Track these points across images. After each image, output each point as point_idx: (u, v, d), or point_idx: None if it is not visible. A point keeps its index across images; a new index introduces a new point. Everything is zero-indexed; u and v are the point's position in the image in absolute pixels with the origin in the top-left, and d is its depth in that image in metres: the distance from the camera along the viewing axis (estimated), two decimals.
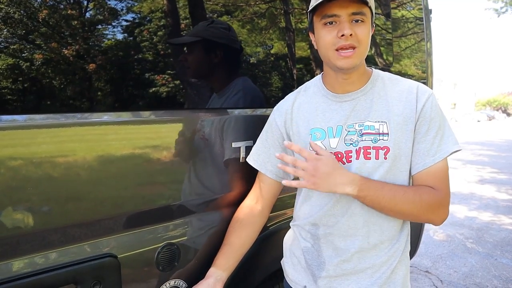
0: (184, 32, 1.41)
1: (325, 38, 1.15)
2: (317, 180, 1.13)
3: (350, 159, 1.21)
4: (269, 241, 1.62)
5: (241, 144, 1.49)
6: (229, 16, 1.54)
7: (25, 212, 1.06)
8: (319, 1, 1.11)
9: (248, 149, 1.49)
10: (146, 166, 1.26)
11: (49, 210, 1.09)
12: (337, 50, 1.14)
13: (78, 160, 1.13)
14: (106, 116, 1.21)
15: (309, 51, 1.87)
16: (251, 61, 1.66)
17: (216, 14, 1.50)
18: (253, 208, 1.41)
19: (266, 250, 1.62)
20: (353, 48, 1.13)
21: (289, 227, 1.56)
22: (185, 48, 1.42)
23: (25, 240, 1.07)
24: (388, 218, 1.21)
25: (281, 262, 1.44)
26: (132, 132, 1.26)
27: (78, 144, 1.13)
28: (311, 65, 1.89)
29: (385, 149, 1.18)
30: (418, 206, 1.15)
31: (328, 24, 1.14)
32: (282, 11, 1.74)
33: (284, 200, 1.61)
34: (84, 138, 1.14)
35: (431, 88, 2.83)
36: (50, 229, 1.10)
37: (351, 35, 1.11)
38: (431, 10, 2.82)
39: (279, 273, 1.75)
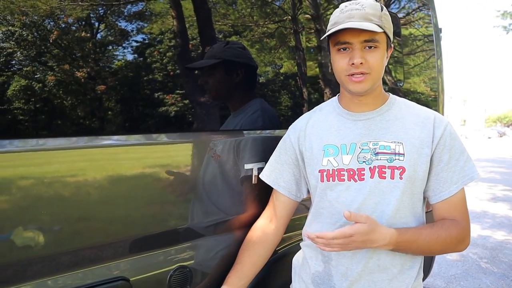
0: (197, 55, 1.43)
1: (338, 63, 1.17)
2: (351, 247, 1.14)
3: (362, 177, 1.20)
4: (279, 264, 1.60)
5: (254, 166, 1.49)
6: (239, 36, 1.56)
7: (35, 234, 1.06)
8: (332, 30, 1.13)
9: (261, 170, 1.49)
10: (158, 188, 1.26)
11: (60, 232, 1.09)
12: (349, 75, 1.16)
13: (89, 182, 1.13)
14: (120, 138, 1.22)
15: (323, 70, 1.87)
16: (267, 80, 1.66)
17: (226, 35, 1.52)
18: (266, 227, 1.40)
19: (275, 273, 1.60)
20: (365, 74, 1.14)
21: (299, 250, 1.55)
22: (202, 71, 1.43)
23: (35, 263, 1.06)
24: None
25: (290, 287, 1.43)
26: (144, 154, 1.26)
27: (89, 165, 1.13)
28: (326, 86, 1.90)
29: (401, 169, 1.17)
30: (448, 244, 1.18)
31: (341, 50, 1.16)
32: (300, 31, 1.75)
33: (294, 221, 1.60)
34: (95, 159, 1.14)
35: (443, 105, 2.82)
36: (60, 252, 1.10)
37: (361, 63, 1.13)
38: (441, 29, 2.82)
39: None
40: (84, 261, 1.14)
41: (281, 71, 1.73)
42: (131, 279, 1.19)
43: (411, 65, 2.58)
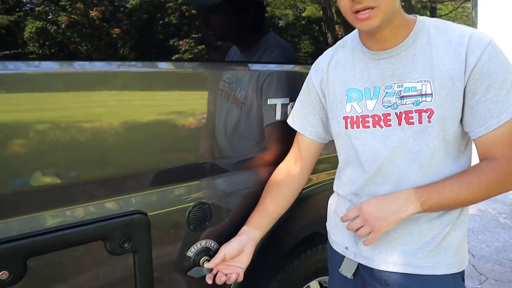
0: None
1: (341, 2, 1.01)
2: (376, 224, 1.09)
3: (389, 123, 1.09)
4: (303, 205, 1.53)
5: (277, 101, 1.39)
6: None
7: (54, 166, 1.01)
8: None
9: (284, 107, 1.40)
10: (178, 121, 1.19)
11: (78, 165, 1.03)
12: (354, 12, 1.00)
13: (106, 115, 1.06)
14: (135, 67, 1.13)
15: None
16: (280, 15, 1.53)
17: None
18: (291, 169, 1.32)
19: (299, 215, 1.54)
20: (371, 8, 0.97)
21: (326, 191, 1.48)
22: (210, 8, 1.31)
23: (54, 193, 1.01)
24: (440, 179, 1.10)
25: (326, 224, 1.36)
26: (163, 85, 1.17)
27: (106, 98, 1.06)
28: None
29: (429, 112, 1.05)
30: (486, 190, 1.05)
31: None
32: None
33: (320, 162, 1.51)
34: (112, 90, 1.07)
35: None
36: (78, 183, 1.04)
37: None
38: None
39: (311, 239, 1.68)
40: (101, 194, 1.08)
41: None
42: (148, 214, 1.14)
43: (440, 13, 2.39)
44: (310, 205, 1.56)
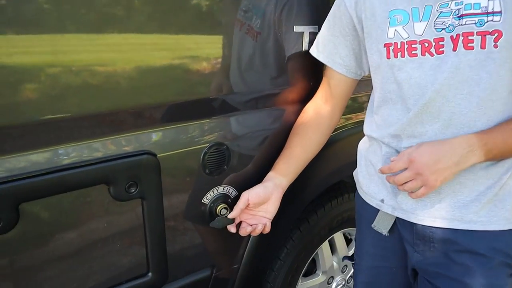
0: None
1: None
2: (431, 178, 0.89)
3: (441, 49, 0.89)
4: (328, 151, 1.37)
5: (305, 29, 1.20)
6: None
7: (49, 97, 0.85)
8: None
9: (312, 35, 1.20)
10: (193, 50, 1.02)
11: (78, 96, 0.87)
12: None
13: (113, 45, 0.90)
14: None
15: None
16: None
17: None
18: (320, 108, 1.15)
19: (324, 162, 1.38)
20: None
21: (354, 135, 1.31)
22: None
23: (48, 130, 0.86)
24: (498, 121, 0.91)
25: (354, 173, 1.20)
26: (175, 16, 0.99)
27: (114, 26, 0.88)
28: None
29: (496, 34, 0.84)
30: None
31: None
32: None
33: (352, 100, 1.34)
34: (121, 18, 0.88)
35: None
36: (78, 118, 0.89)
37: None
38: None
39: (337, 187, 1.53)
40: (103, 130, 0.93)
41: None
42: (158, 155, 0.98)
43: None
44: (336, 150, 1.40)
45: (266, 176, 1.13)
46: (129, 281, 1.04)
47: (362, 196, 1.13)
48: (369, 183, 1.10)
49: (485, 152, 0.87)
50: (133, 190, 0.95)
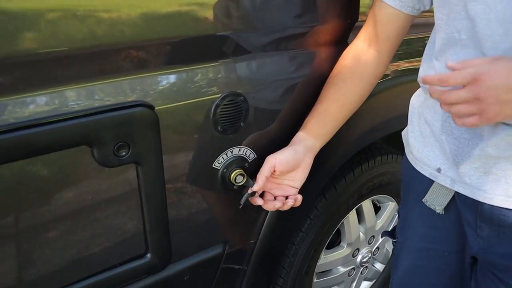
0: None
1: None
2: (493, 107, 0.61)
3: None
4: (363, 105, 1.13)
5: None
6: None
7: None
8: None
9: None
10: None
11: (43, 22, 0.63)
12: None
13: None
14: None
15: None
16: None
17: None
18: (363, 53, 0.90)
19: (358, 119, 1.14)
20: None
21: (399, 85, 1.07)
22: None
23: (6, 69, 0.63)
24: None
25: (403, 133, 0.97)
26: None
27: None
28: None
29: None
30: None
31: None
32: None
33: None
34: None
35: None
36: (43, 54, 0.65)
37: None
38: None
39: (368, 149, 1.30)
40: (82, 73, 0.69)
41: None
42: (156, 107, 0.75)
43: None
44: (372, 105, 1.15)
45: (295, 137, 0.91)
46: (123, 264, 0.84)
47: (412, 163, 0.90)
48: (423, 147, 0.87)
49: None
50: (123, 153, 0.73)
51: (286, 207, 0.88)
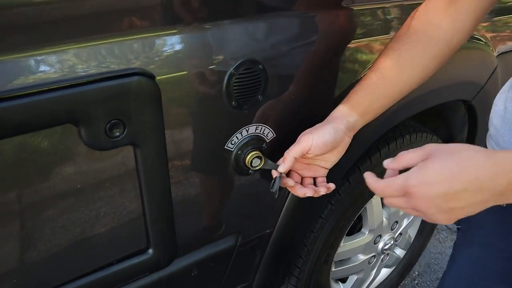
0: None
1: None
2: (439, 216, 0.54)
3: None
4: None
5: None
6: None
7: None
8: None
9: None
10: None
11: None
12: None
13: None
14: None
15: None
16: None
17: None
18: (439, 12, 0.70)
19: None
20: None
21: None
22: None
23: None
24: None
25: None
26: None
27: None
28: None
29: None
30: None
31: None
32: None
33: None
34: None
35: None
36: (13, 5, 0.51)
37: None
38: None
39: (396, 128, 1.17)
40: (61, 32, 0.55)
41: None
42: (158, 77, 0.61)
43: None
44: None
45: (336, 111, 0.75)
46: (121, 261, 0.72)
47: (495, 147, 0.73)
48: (508, 131, 0.71)
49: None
50: (117, 133, 0.59)
51: (316, 195, 0.75)
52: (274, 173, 0.74)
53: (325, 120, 0.74)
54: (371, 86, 0.73)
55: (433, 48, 0.71)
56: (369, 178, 0.59)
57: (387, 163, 0.60)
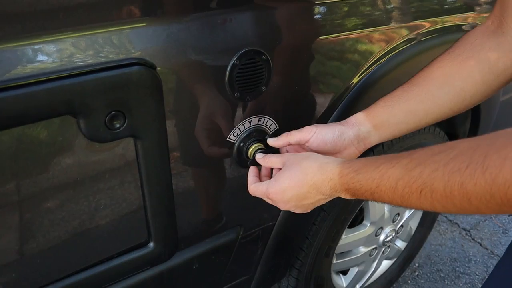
0: None
1: None
2: (298, 209, 0.68)
3: None
4: (399, 69, 0.96)
5: None
6: None
7: None
8: None
9: None
10: None
11: None
12: None
13: None
14: None
15: None
16: None
17: None
18: (487, 33, 0.66)
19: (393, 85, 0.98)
20: None
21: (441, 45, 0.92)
22: None
23: None
24: None
25: None
26: None
27: None
28: None
29: None
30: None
31: None
32: None
33: None
34: None
35: None
36: None
37: None
38: None
39: None
40: (60, 20, 0.53)
41: None
42: (158, 67, 0.60)
43: None
44: (407, 71, 0.99)
45: (353, 116, 0.71)
46: (121, 254, 0.71)
47: None
48: None
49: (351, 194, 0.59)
50: (118, 125, 0.58)
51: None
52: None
53: (339, 122, 0.71)
54: (393, 98, 0.69)
55: (471, 68, 0.65)
56: (249, 177, 0.71)
57: (271, 141, 0.72)
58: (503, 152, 0.39)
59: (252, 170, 0.73)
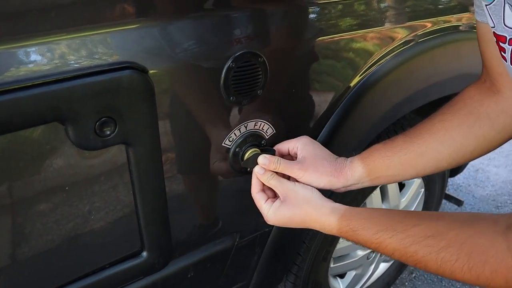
0: None
1: None
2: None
3: None
4: (398, 71, 0.94)
5: None
6: None
7: None
8: None
9: None
10: None
11: None
12: None
13: None
14: None
15: None
16: None
17: None
18: (482, 92, 0.66)
19: (393, 86, 0.96)
20: None
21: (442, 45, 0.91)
22: None
23: None
24: None
25: None
26: None
27: None
28: None
29: None
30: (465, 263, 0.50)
31: None
32: None
33: None
34: None
35: None
36: None
37: None
38: None
39: (396, 120, 1.13)
40: (47, 22, 0.50)
41: None
42: (151, 70, 0.57)
43: None
44: (407, 72, 0.98)
45: (350, 170, 0.69)
46: (114, 264, 0.68)
47: None
48: None
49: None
50: (108, 132, 0.55)
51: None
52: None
53: (331, 171, 0.69)
54: (393, 149, 0.68)
55: (472, 123, 0.64)
56: (254, 181, 0.71)
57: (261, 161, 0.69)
58: (483, 256, 0.48)
59: (256, 174, 0.71)
